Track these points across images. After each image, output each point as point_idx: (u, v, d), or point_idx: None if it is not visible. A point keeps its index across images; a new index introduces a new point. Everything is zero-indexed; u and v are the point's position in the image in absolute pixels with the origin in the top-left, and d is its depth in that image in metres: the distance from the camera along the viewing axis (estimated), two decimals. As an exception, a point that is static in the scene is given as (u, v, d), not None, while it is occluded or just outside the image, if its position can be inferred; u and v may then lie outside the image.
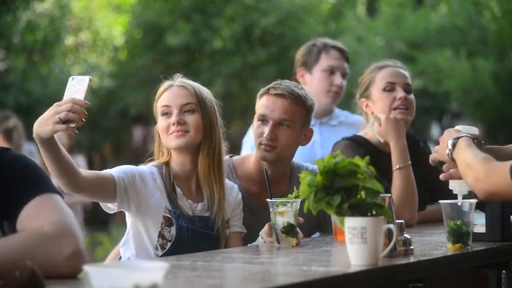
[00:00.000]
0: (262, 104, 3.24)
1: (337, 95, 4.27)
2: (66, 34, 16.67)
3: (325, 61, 4.26)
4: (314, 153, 4.10)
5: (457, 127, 2.81)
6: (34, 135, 2.58)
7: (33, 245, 1.95)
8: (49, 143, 2.60)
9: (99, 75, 18.64)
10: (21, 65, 15.44)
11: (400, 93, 3.56)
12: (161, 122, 3.00)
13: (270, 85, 3.28)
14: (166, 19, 17.38)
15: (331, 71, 4.26)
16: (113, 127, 18.93)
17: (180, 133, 2.95)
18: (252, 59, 17.03)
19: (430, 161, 2.76)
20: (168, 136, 2.97)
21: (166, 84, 3.05)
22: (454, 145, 2.53)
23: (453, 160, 2.54)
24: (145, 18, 17.76)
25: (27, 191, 2.05)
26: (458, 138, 2.54)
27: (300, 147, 3.40)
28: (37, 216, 2.01)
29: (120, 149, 21.45)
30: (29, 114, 13.71)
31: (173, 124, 2.95)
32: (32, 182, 2.08)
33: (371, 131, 3.63)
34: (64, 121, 2.52)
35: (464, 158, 2.47)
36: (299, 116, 3.23)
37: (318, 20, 17.87)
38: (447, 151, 2.55)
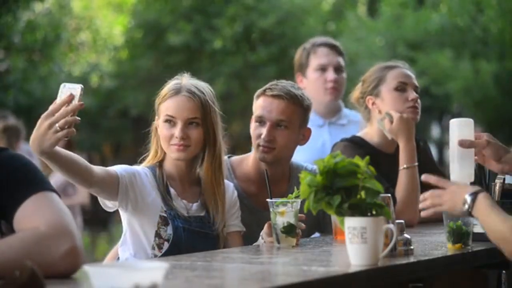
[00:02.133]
0: (259, 105, 3.23)
1: (334, 90, 4.24)
2: (66, 34, 16.66)
3: (314, 61, 4.26)
4: (324, 153, 4.07)
5: (452, 121, 2.81)
6: (35, 152, 2.57)
7: (30, 245, 1.95)
8: (53, 154, 2.59)
9: (99, 75, 18.65)
10: (21, 65, 15.45)
11: (412, 94, 3.57)
12: (163, 130, 2.97)
13: (267, 85, 3.26)
14: (167, 19, 17.38)
15: (322, 69, 4.25)
16: (113, 127, 18.94)
17: (182, 147, 2.94)
18: (252, 59, 17.04)
19: (423, 178, 2.73)
20: (169, 146, 2.96)
21: (173, 86, 2.99)
22: (474, 201, 2.43)
23: (471, 215, 2.45)
24: (146, 18, 17.77)
25: (23, 190, 2.05)
26: (476, 194, 2.44)
27: (309, 148, 3.39)
28: (33, 215, 2.01)
29: (120, 149, 21.46)
30: (29, 114, 13.71)
31: (176, 137, 2.94)
32: (28, 181, 2.08)
33: (372, 131, 3.63)
34: (62, 128, 2.53)
35: (494, 228, 2.37)
36: (296, 116, 3.22)
37: (318, 21, 17.88)
38: (466, 206, 2.42)
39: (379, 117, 3.59)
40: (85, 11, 18.83)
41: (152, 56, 17.87)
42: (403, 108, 3.56)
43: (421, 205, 2.55)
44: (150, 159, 3.04)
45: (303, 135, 3.29)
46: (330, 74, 4.23)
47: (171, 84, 3.01)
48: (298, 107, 3.22)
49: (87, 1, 19.11)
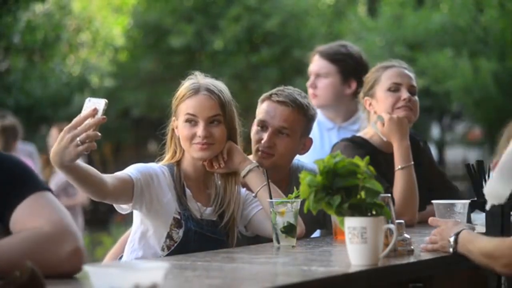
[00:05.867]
0: (263, 109, 3.21)
1: (313, 96, 4.21)
2: (66, 34, 16.68)
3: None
4: None
5: None
6: (56, 165, 2.57)
7: (34, 245, 1.95)
8: (72, 166, 2.59)
9: (99, 75, 18.65)
10: (21, 65, 15.46)
11: (404, 93, 3.55)
12: (184, 129, 2.95)
13: (273, 90, 3.24)
14: (168, 20, 17.37)
15: (310, 77, 4.26)
16: (113, 127, 18.94)
17: (205, 146, 2.93)
18: (254, 60, 17.04)
19: (430, 221, 2.74)
20: (191, 145, 2.94)
21: (191, 86, 2.97)
22: (456, 241, 2.49)
23: (459, 255, 2.50)
24: (146, 19, 17.76)
25: (19, 191, 2.05)
26: (458, 234, 2.50)
27: (316, 151, 3.35)
28: (33, 216, 2.01)
29: (120, 149, 21.45)
30: (29, 114, 13.72)
31: (199, 136, 2.93)
32: (23, 182, 2.07)
33: (372, 130, 3.63)
34: (83, 142, 2.53)
35: (480, 251, 2.42)
36: (299, 125, 3.20)
37: (320, 22, 17.89)
38: (451, 249, 2.50)
39: (373, 120, 3.59)
40: (85, 11, 18.83)
41: (152, 56, 17.87)
42: (395, 108, 3.55)
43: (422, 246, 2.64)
44: (169, 159, 3.01)
45: (303, 145, 3.27)
46: (309, 82, 4.24)
47: (188, 84, 2.99)
48: (302, 116, 3.20)
49: (87, 1, 19.11)
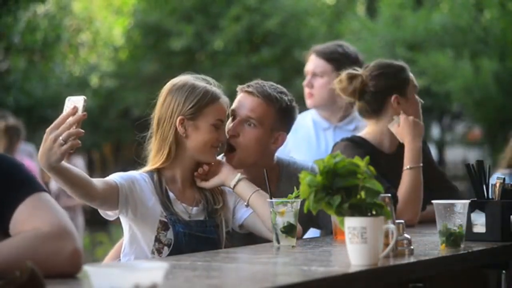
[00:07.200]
0: (236, 100, 3.21)
1: (309, 95, 4.23)
2: (66, 35, 16.68)
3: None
4: None
5: None
6: (44, 168, 2.59)
7: (34, 246, 1.95)
8: (60, 169, 2.61)
9: (100, 75, 18.65)
10: (22, 65, 15.46)
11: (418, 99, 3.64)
12: (211, 134, 2.98)
13: (250, 83, 3.24)
14: (168, 21, 17.38)
15: (307, 76, 4.27)
16: (113, 127, 18.95)
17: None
18: (254, 60, 17.04)
19: None
20: (211, 148, 2.98)
21: (213, 94, 3.00)
22: None
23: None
24: (146, 20, 17.77)
25: (17, 193, 2.04)
26: None
27: (312, 151, 3.31)
28: (32, 217, 2.01)
29: (120, 149, 21.47)
30: (29, 114, 13.72)
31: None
32: (20, 183, 2.07)
33: (372, 130, 3.63)
34: (66, 141, 2.54)
35: None
36: (267, 117, 3.14)
37: (321, 22, 17.90)
38: None
39: (394, 122, 3.59)
40: (85, 12, 18.84)
41: (152, 57, 17.88)
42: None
43: None
44: (163, 161, 2.98)
45: (275, 139, 3.18)
46: (305, 81, 4.25)
47: (207, 89, 3.00)
48: (271, 108, 3.14)
49: (87, 2, 19.12)
